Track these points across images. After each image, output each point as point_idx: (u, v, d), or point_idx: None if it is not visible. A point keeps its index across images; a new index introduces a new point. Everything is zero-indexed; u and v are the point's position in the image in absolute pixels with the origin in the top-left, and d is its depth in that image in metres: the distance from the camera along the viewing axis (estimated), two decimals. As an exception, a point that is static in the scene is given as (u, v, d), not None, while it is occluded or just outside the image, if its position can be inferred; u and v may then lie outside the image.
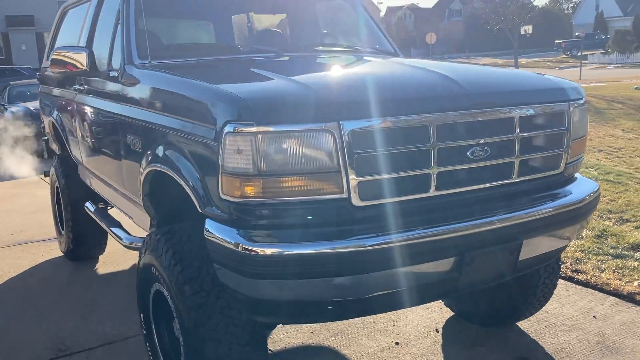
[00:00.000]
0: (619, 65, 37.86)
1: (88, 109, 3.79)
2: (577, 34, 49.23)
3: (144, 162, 2.82)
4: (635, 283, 4.13)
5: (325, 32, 4.31)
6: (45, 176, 5.70)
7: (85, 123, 3.92)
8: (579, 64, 30.90)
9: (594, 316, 3.72)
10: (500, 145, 2.45)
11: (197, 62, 3.19)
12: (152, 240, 2.63)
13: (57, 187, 5.01)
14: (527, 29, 38.95)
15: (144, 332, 2.93)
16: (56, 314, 3.96)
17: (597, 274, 4.29)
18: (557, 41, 50.68)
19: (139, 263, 2.83)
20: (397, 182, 2.24)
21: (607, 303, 3.90)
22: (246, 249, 2.11)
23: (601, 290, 4.08)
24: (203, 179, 2.29)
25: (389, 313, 3.69)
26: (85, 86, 3.86)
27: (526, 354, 3.33)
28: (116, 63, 3.39)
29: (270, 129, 2.07)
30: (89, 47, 3.83)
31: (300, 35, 3.92)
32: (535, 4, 47.93)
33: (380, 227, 2.17)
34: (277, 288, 2.16)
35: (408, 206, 2.27)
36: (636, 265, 4.42)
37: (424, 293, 2.42)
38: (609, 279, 4.20)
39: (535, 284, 3.26)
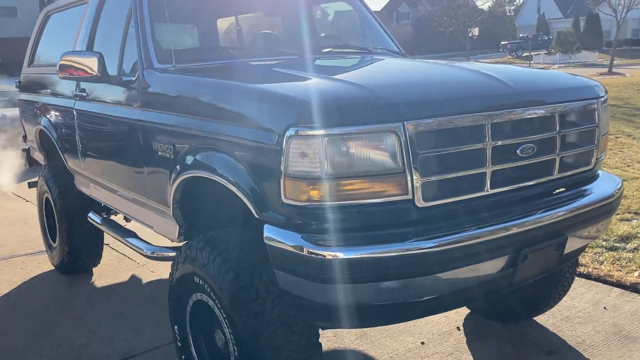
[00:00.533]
0: (563, 65, 39.20)
1: (94, 116, 3.65)
2: (522, 35, 50.78)
3: (176, 169, 2.72)
4: (636, 274, 4.27)
5: (323, 34, 4.28)
6: (30, 187, 5.45)
7: (89, 131, 3.78)
8: (527, 64, 31.89)
9: (605, 307, 3.83)
10: (544, 142, 2.49)
11: (224, 65, 3.11)
12: (193, 248, 2.55)
13: (46, 198, 4.81)
14: (474, 31, 40.00)
15: (179, 344, 2.83)
16: (65, 330, 3.79)
17: (597, 266, 4.42)
18: (502, 42, 52.12)
19: (173, 273, 2.73)
20: (456, 181, 2.24)
21: (613, 294, 4.02)
22: (312, 253, 2.07)
23: (605, 282, 4.20)
24: (260, 184, 2.24)
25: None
26: (89, 92, 3.72)
27: (551, 347, 3.39)
28: (127, 67, 3.28)
29: (336, 131, 2.04)
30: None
31: (309, 38, 3.88)
32: (480, 7, 49.29)
33: (442, 227, 2.17)
34: (344, 292, 2.12)
35: (465, 206, 2.27)
36: (631, 256, 4.58)
37: (480, 290, 2.44)
38: (609, 270, 4.33)
39: (558, 278, 3.33)
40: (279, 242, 2.15)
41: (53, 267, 4.92)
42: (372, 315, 2.30)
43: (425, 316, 2.77)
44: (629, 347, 3.34)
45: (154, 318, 3.87)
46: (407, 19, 72.58)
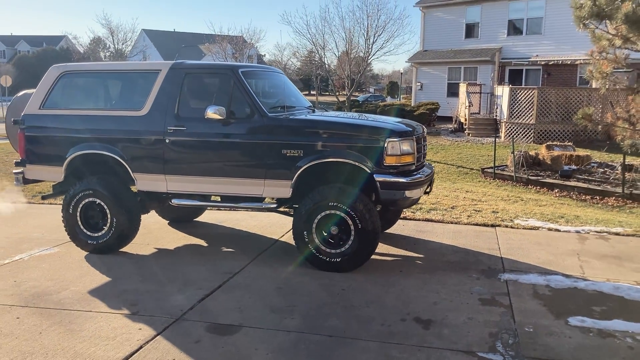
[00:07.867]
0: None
1: (197, 141, 6.45)
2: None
3: (302, 161, 6.16)
4: (408, 212, 9.16)
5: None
6: (44, 199, 7.14)
7: (188, 149, 6.51)
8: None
9: (403, 225, 8.54)
10: (423, 147, 6.96)
11: (300, 113, 6.66)
12: (329, 190, 6.11)
13: (89, 201, 6.82)
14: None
15: (306, 240, 6.23)
16: (186, 266, 6.41)
17: (383, 213, 9.17)
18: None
19: (307, 207, 6.16)
20: (419, 157, 6.52)
21: (400, 221, 8.77)
22: (396, 180, 6.06)
23: (392, 218, 8.94)
24: (371, 159, 6.03)
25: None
26: (188, 126, 6.49)
27: (410, 238, 7.87)
28: (233, 114, 6.39)
29: (402, 138, 6.09)
30: (170, 107, 6.58)
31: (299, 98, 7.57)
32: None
33: (420, 173, 6.43)
34: (406, 194, 6.11)
35: (419, 166, 6.58)
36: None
37: (419, 197, 6.73)
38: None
39: (399, 212, 7.91)
40: (385, 178, 6.03)
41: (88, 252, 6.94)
42: (410, 203, 6.36)
43: (415, 204, 6.92)
44: (424, 235, 8.09)
45: (221, 254, 6.81)
46: (3, 57, 68.77)
